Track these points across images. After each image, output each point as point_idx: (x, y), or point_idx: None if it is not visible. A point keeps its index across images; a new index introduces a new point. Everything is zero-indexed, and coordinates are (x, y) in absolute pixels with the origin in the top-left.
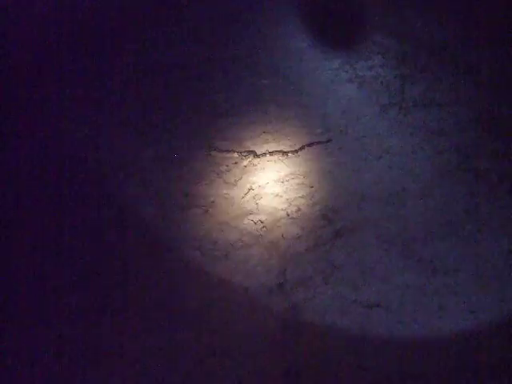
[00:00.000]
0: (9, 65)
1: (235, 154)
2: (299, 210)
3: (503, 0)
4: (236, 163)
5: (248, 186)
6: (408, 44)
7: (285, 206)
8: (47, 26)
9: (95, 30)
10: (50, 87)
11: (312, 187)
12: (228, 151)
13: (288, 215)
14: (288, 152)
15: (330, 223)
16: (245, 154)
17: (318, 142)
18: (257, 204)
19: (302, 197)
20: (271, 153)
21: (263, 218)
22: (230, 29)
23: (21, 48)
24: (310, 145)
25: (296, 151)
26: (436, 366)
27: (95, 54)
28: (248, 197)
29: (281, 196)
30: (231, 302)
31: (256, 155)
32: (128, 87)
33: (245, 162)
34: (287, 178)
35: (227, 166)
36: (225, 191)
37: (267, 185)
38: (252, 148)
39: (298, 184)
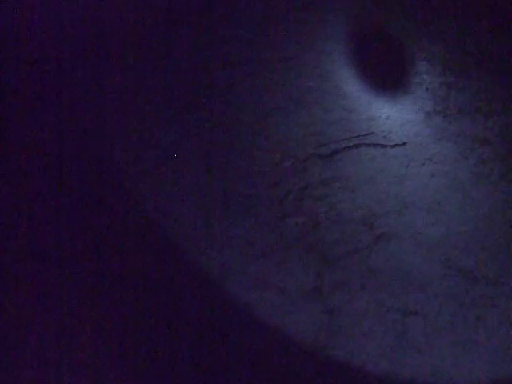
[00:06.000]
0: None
1: (277, 155)
2: (340, 213)
3: None
4: (277, 165)
5: (289, 187)
6: (455, 51)
7: (325, 209)
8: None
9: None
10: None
11: (353, 192)
12: (270, 151)
13: (328, 219)
14: (330, 155)
15: (371, 228)
16: (287, 155)
17: (361, 147)
18: (297, 206)
19: (343, 201)
20: (313, 155)
21: (303, 220)
22: (279, 28)
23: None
24: (352, 149)
25: (338, 155)
26: (470, 376)
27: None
28: (289, 198)
29: (322, 199)
30: (267, 303)
31: (298, 157)
32: (172, 83)
33: (286, 164)
34: (329, 181)
35: (269, 166)
36: (265, 192)
37: (308, 187)
38: (295, 149)
39: (339, 188)
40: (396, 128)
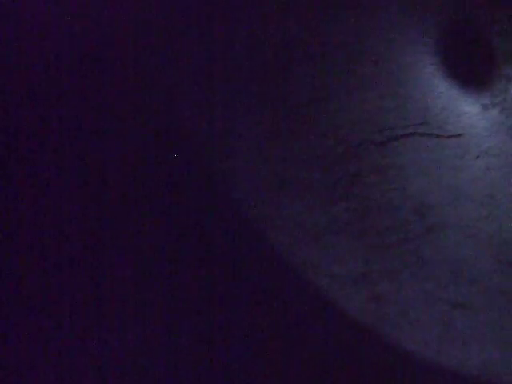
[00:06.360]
0: None
1: (330, 141)
2: (391, 201)
3: None
4: (330, 149)
5: (341, 172)
6: None
7: (377, 196)
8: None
9: None
10: None
11: (406, 180)
12: (323, 137)
13: (379, 206)
14: (383, 143)
15: (422, 218)
16: (340, 140)
17: (416, 136)
18: (348, 192)
19: (395, 189)
20: (366, 141)
21: (354, 206)
22: (339, 13)
23: None
24: (406, 137)
25: (392, 142)
26: None
27: None
28: (340, 184)
29: (373, 186)
30: (315, 286)
31: (351, 143)
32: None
33: (339, 149)
34: (381, 169)
35: (322, 150)
36: (318, 175)
37: (361, 173)
38: (347, 135)
39: (392, 176)
40: (451, 119)
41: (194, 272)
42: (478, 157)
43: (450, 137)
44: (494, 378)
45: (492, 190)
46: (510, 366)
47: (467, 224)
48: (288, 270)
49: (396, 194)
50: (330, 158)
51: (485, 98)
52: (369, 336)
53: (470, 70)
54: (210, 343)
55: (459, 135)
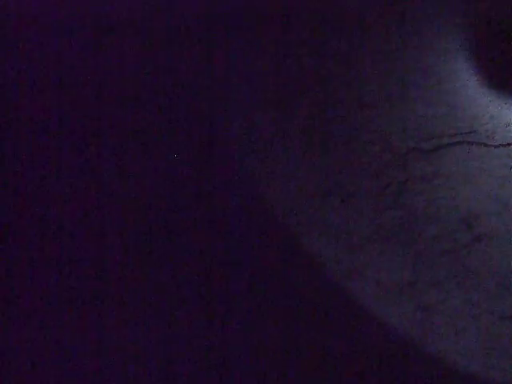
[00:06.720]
0: None
1: (377, 147)
2: (438, 210)
3: None
4: (377, 157)
5: (388, 180)
6: None
7: (424, 204)
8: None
9: None
10: None
11: (453, 189)
12: (370, 144)
13: (426, 215)
14: (431, 151)
15: (470, 228)
16: (386, 148)
17: (464, 144)
18: (395, 200)
19: (442, 198)
20: (413, 149)
21: (401, 214)
22: (380, 20)
23: None
24: (454, 146)
25: (440, 151)
26: None
27: None
28: (387, 191)
29: (421, 194)
30: (362, 293)
31: (398, 150)
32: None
33: (386, 157)
34: (428, 177)
35: (368, 158)
36: (364, 183)
37: (407, 181)
38: (394, 143)
39: (439, 184)
40: (500, 128)
41: (247, 281)
42: None
43: (498, 146)
44: None
45: None
46: None
47: None
48: (334, 278)
49: (443, 203)
50: (377, 166)
51: None
52: (415, 346)
53: None
54: (264, 355)
55: (508, 145)
